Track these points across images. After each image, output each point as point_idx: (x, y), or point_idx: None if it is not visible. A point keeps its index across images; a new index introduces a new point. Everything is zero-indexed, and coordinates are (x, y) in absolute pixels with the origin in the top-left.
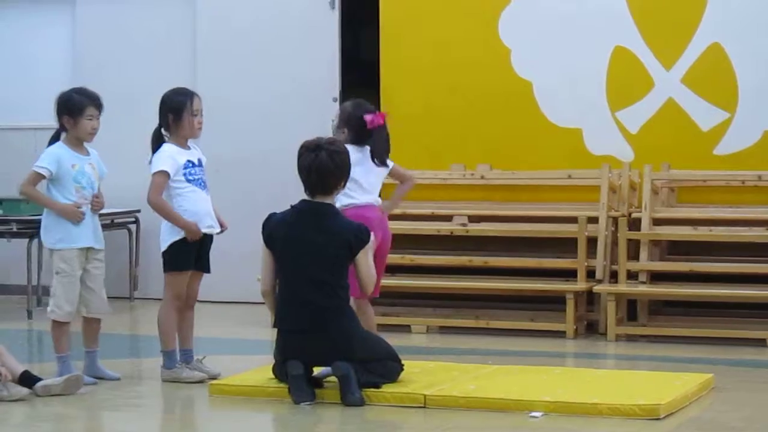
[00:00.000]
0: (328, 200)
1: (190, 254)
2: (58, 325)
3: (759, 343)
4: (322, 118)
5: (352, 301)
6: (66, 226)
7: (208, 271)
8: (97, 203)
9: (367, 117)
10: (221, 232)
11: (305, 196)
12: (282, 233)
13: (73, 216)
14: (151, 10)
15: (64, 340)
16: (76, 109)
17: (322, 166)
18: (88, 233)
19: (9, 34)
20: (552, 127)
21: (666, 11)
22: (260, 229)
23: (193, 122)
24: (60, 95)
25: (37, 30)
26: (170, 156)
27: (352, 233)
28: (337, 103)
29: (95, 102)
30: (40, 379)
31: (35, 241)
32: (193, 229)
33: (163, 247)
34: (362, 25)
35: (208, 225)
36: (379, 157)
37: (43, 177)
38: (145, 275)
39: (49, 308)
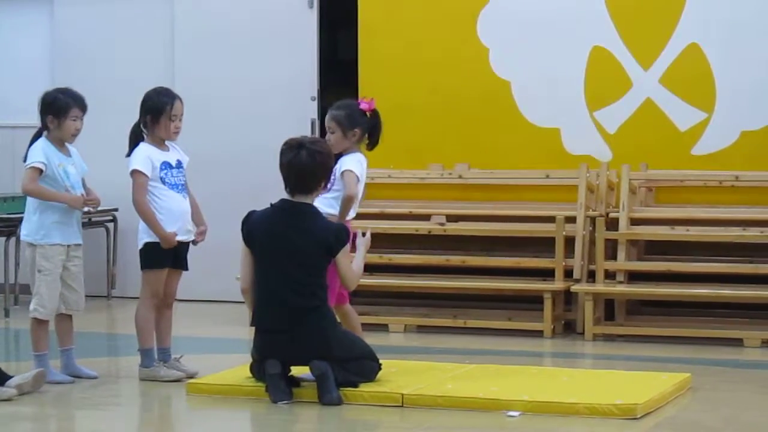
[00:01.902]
0: (308, 200)
1: (167, 252)
2: (39, 324)
3: (736, 342)
4: (300, 117)
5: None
6: (49, 222)
7: (185, 268)
8: (93, 201)
9: (363, 105)
10: (195, 243)
11: (285, 195)
12: (261, 232)
13: (79, 204)
14: (129, 10)
15: (44, 338)
16: (61, 109)
17: (302, 164)
18: (71, 230)
19: None
20: (530, 126)
21: (644, 11)
22: (239, 228)
23: (169, 126)
24: (45, 95)
25: (15, 29)
26: (147, 156)
27: (332, 234)
28: (316, 102)
29: (80, 103)
30: (10, 377)
31: (12, 240)
32: (169, 239)
33: (141, 244)
34: (340, 24)
35: (185, 231)
36: (376, 141)
37: (41, 171)
38: (122, 274)
39: (31, 307)
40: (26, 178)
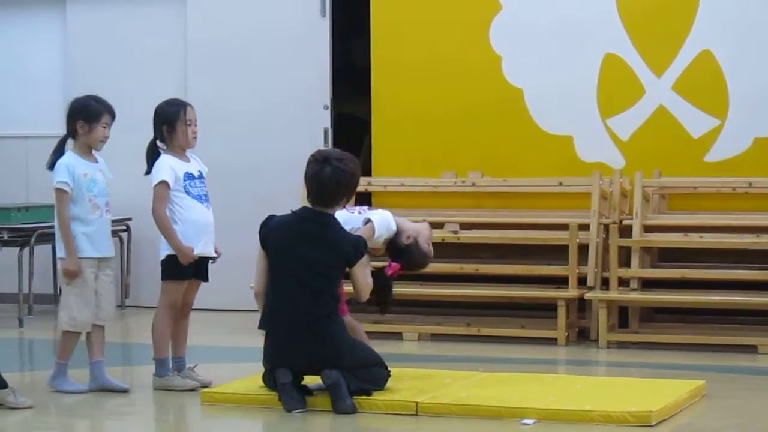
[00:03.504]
0: (328, 211)
1: (190, 264)
2: (70, 335)
3: (750, 349)
4: (313, 126)
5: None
6: (78, 234)
7: (206, 279)
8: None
9: (393, 266)
10: (214, 260)
11: (302, 203)
12: (278, 237)
13: (75, 267)
14: (142, 18)
15: (70, 349)
16: (92, 115)
17: (323, 179)
18: (102, 242)
19: None
20: (543, 134)
21: (657, 18)
22: (252, 237)
23: (187, 132)
24: (75, 100)
25: (27, 38)
26: (169, 166)
27: (350, 245)
28: (329, 110)
29: (110, 111)
30: (7, 385)
31: (26, 250)
32: (186, 254)
33: (163, 255)
34: (353, 31)
35: (209, 243)
36: (382, 304)
37: (67, 192)
38: (136, 283)
39: (62, 320)
40: (58, 203)
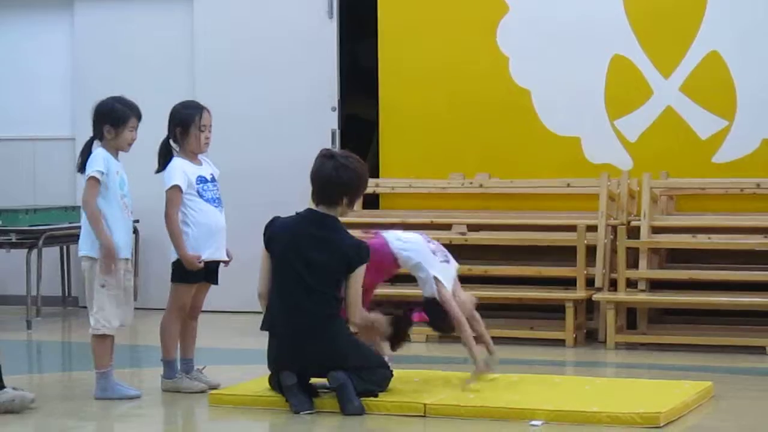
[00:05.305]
0: (331, 212)
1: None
2: (103, 339)
3: (758, 350)
4: (321, 128)
5: None
6: (115, 235)
7: (216, 282)
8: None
9: (422, 316)
10: (226, 263)
11: (310, 205)
12: (282, 238)
13: (111, 257)
14: (149, 21)
15: (109, 354)
16: (119, 119)
17: (326, 175)
18: (128, 243)
19: (5, 43)
20: (551, 135)
21: (664, 20)
22: (258, 241)
23: (199, 137)
24: (100, 104)
25: (34, 40)
26: (182, 170)
27: (353, 250)
28: (336, 112)
29: (136, 113)
30: (3, 386)
31: (34, 252)
32: (192, 263)
33: (174, 257)
34: (360, 32)
35: (221, 247)
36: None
37: (100, 182)
38: (144, 285)
39: (97, 324)
40: (87, 191)
